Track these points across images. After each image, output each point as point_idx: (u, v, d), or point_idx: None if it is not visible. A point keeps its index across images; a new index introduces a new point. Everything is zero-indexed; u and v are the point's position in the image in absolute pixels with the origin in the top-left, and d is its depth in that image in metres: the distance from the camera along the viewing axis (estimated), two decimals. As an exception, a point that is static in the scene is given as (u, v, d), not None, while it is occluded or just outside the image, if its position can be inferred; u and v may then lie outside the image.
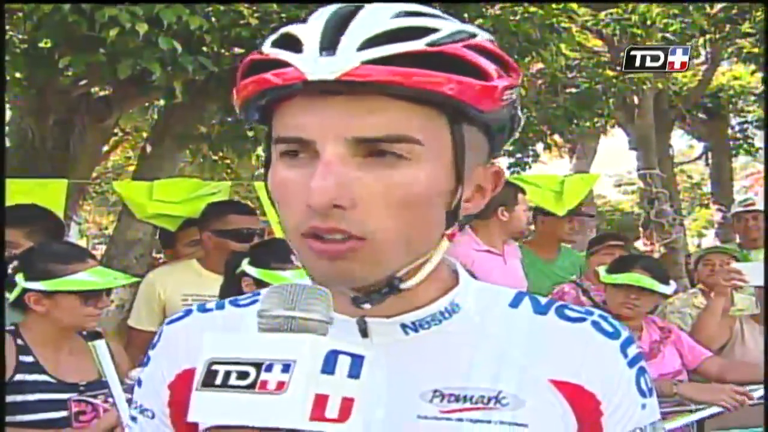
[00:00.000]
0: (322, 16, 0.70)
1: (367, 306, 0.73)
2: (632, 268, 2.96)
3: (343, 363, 0.60)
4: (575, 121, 6.64)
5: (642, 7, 6.13)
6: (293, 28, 0.70)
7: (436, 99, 0.67)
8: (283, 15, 3.49)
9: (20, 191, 3.13)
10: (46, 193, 3.42)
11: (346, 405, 0.59)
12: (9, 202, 2.63)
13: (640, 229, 7.95)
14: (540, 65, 5.67)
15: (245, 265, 2.49)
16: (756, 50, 7.47)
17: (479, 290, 0.83)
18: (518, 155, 8.89)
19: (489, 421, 0.75)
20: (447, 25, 0.70)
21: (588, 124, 7.13)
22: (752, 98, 10.12)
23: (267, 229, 3.59)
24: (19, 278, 2.13)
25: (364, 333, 0.77)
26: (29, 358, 2.13)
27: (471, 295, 0.81)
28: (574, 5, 4.75)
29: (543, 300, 0.83)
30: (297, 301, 0.63)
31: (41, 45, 3.61)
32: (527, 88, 6.13)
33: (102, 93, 4.76)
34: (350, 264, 0.69)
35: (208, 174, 6.20)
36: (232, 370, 0.59)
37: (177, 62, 3.21)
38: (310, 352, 0.59)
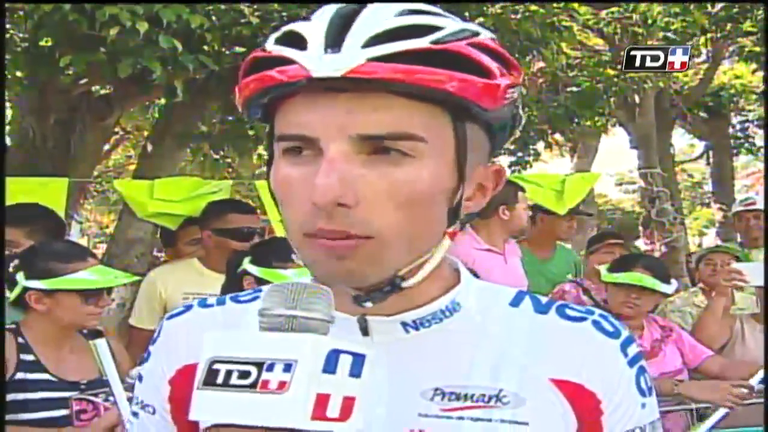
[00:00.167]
0: (325, 14, 0.70)
1: (368, 304, 0.73)
2: (633, 267, 2.96)
3: (345, 362, 0.60)
4: (576, 120, 6.66)
5: (643, 6, 6.13)
6: (297, 26, 0.70)
7: (439, 96, 0.67)
8: (284, 13, 3.50)
9: (21, 190, 3.13)
10: (47, 192, 3.43)
11: (348, 404, 0.59)
12: (10, 201, 2.64)
13: (641, 228, 7.95)
14: (541, 64, 5.68)
15: (246, 264, 2.49)
16: (757, 49, 7.46)
17: (480, 289, 0.83)
18: (519, 154, 8.91)
19: (489, 420, 0.75)
20: (450, 24, 0.70)
21: (589, 122, 7.13)
22: (753, 97, 10.14)
23: (267, 227, 3.59)
24: (20, 277, 2.13)
25: (365, 331, 0.77)
26: (30, 357, 2.13)
27: (472, 294, 0.81)
28: (575, 4, 4.76)
29: (544, 299, 0.83)
30: (298, 300, 0.63)
31: (42, 44, 3.61)
32: (528, 86, 6.13)
33: (103, 92, 4.76)
34: (353, 262, 0.69)
35: (208, 173, 6.19)
36: (233, 370, 0.59)
37: (177, 61, 3.21)
38: (312, 352, 0.58)
